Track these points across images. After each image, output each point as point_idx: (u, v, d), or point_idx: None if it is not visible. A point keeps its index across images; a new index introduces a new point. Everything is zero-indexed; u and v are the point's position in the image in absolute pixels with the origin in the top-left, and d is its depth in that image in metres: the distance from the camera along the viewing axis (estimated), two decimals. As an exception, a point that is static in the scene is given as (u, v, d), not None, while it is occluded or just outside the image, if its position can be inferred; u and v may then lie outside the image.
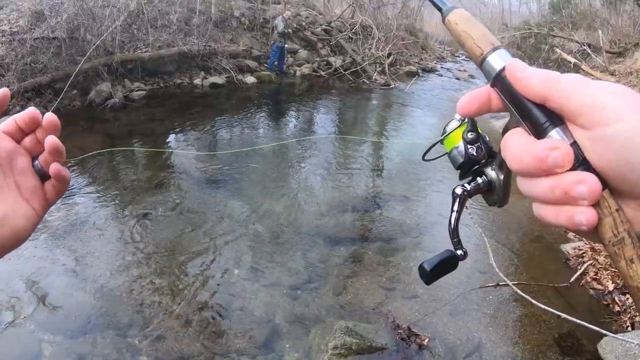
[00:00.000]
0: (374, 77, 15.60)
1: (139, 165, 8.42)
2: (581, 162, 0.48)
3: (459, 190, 0.71)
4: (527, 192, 0.53)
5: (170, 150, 9.07)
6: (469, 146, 0.70)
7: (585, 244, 5.82)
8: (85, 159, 8.06)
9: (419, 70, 17.92)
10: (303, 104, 13.00)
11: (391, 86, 14.73)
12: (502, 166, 0.64)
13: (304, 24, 18.00)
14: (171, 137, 9.80)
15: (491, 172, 0.68)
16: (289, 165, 8.47)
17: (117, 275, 5.31)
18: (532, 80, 0.50)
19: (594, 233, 0.49)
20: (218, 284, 5.19)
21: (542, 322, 4.72)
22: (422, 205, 6.85)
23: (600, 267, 5.40)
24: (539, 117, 0.51)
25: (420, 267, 0.71)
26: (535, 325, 4.70)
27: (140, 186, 7.45)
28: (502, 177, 0.66)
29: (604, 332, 3.54)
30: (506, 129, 0.55)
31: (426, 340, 4.48)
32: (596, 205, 0.48)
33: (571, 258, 5.66)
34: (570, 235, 6.20)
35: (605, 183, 0.48)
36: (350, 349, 4.37)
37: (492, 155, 0.69)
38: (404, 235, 6.04)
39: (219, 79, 14.01)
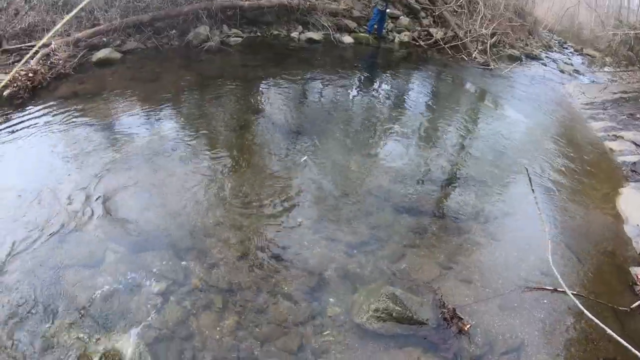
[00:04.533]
0: (474, 55, 14.88)
1: (227, 106, 8.66)
2: None
3: None
4: None
5: (258, 96, 9.24)
6: None
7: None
8: (177, 95, 8.52)
9: (522, 56, 16.84)
10: (398, 71, 12.73)
11: (490, 67, 14.03)
12: None
13: (408, -10, 17.33)
14: (262, 84, 9.94)
15: None
16: (372, 128, 8.46)
17: (186, 203, 5.68)
18: None
19: None
20: (280, 227, 5.41)
21: (590, 340, 4.58)
22: (497, 194, 6.67)
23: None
24: None
25: None
26: (582, 342, 4.56)
27: (225, 125, 7.78)
28: None
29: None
30: None
31: (467, 327, 4.48)
32: None
33: (639, 283, 5.37)
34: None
35: None
36: (391, 315, 4.46)
37: None
38: (472, 219, 5.96)
39: (316, 35, 13.92)
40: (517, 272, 5.18)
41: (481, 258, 5.34)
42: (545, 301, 4.90)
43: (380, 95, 10.47)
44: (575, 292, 4.78)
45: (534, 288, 5.01)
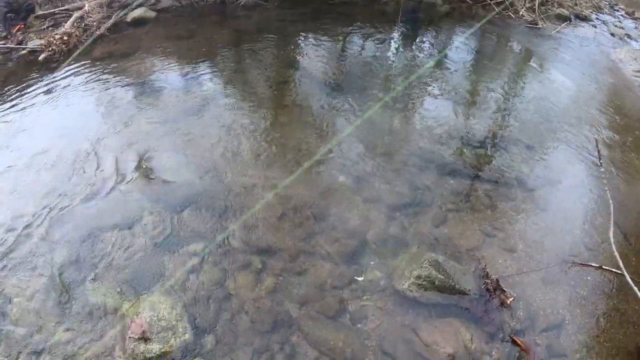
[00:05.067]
0: (521, 13, 13.98)
1: (264, 62, 8.38)
2: None
3: None
4: None
5: (296, 51, 8.89)
6: None
7: None
8: (213, 51, 8.30)
9: (571, 16, 15.85)
10: (440, 27, 11.98)
11: (538, 26, 13.18)
12: None
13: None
14: (299, 40, 9.52)
15: None
16: (413, 85, 8.04)
17: (223, 161, 5.55)
18: None
19: None
20: (320, 187, 5.23)
21: (631, 324, 4.44)
22: (545, 160, 6.35)
23: None
24: None
25: None
26: (623, 325, 4.42)
27: (262, 81, 7.54)
28: None
29: None
30: None
31: (510, 300, 4.37)
32: None
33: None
34: None
35: None
36: (433, 283, 4.35)
37: None
38: (518, 186, 5.72)
39: (355, -11, 12.98)
40: (562, 245, 5.00)
41: (526, 227, 5.15)
42: (589, 278, 4.75)
43: (421, 52, 9.92)
44: (620, 272, 4.60)
45: (579, 264, 4.84)
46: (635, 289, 4.24)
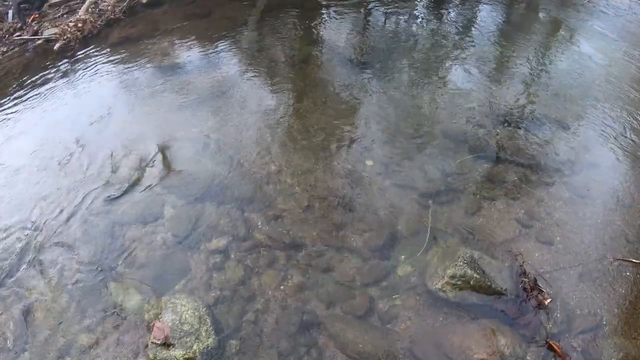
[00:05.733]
0: None
1: (286, 38, 7.91)
2: None
3: None
4: None
5: (319, 26, 8.34)
6: None
7: None
8: (232, 29, 7.88)
9: None
10: None
11: None
12: None
13: None
14: (322, 13, 8.85)
15: None
16: (441, 60, 7.50)
17: (247, 149, 5.26)
18: None
19: None
20: (347, 173, 4.91)
21: None
22: (584, 138, 5.93)
23: None
24: None
25: None
26: None
27: (285, 60, 7.15)
28: None
29: None
30: None
31: (548, 301, 4.15)
32: None
33: None
34: None
35: None
36: (468, 283, 4.12)
37: None
38: (556, 170, 5.37)
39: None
40: (602, 238, 4.74)
41: (564, 217, 4.87)
42: (629, 274, 4.52)
43: (447, 23, 9.15)
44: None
45: (619, 259, 4.59)
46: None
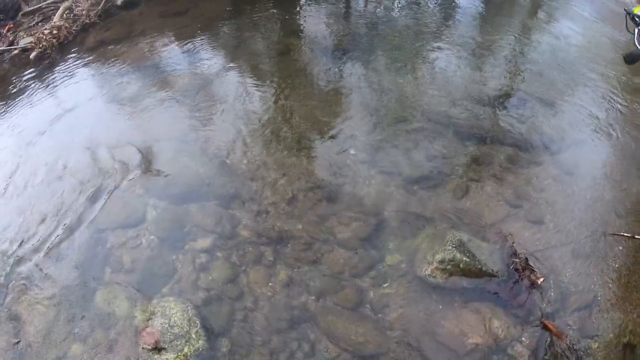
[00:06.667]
0: None
1: (265, 31, 7.79)
2: None
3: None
4: None
5: (297, 16, 8.26)
6: None
7: None
8: (210, 25, 7.77)
9: None
10: None
11: None
12: None
13: None
14: (300, 2, 8.73)
15: None
16: (422, 43, 7.38)
17: (229, 145, 5.21)
18: None
19: None
20: (331, 163, 4.86)
21: None
22: (569, 114, 5.85)
23: None
24: None
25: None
26: None
27: (265, 53, 7.09)
28: None
29: None
30: None
31: (540, 280, 4.10)
32: None
33: None
34: None
35: None
36: (458, 266, 4.08)
37: None
38: (543, 147, 5.31)
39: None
40: (592, 213, 4.69)
41: (553, 195, 4.82)
42: (621, 248, 4.46)
43: (428, 8, 9.01)
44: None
45: (611, 234, 4.53)
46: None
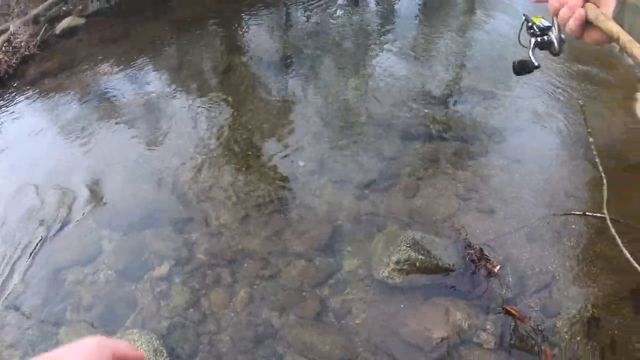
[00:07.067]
0: None
1: (207, 49, 7.86)
2: None
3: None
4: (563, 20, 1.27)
5: (239, 32, 8.40)
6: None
7: None
8: (151, 47, 7.82)
9: None
10: None
11: None
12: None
13: None
14: (241, 18, 8.83)
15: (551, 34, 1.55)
16: (363, 47, 7.51)
17: (176, 168, 5.22)
18: None
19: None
20: (281, 177, 4.91)
21: (621, 270, 4.19)
22: (510, 105, 5.97)
23: None
24: None
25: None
26: (614, 272, 4.20)
27: (208, 71, 7.14)
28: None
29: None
30: None
31: (497, 268, 4.17)
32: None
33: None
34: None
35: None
36: (414, 265, 4.13)
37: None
38: (487, 138, 5.42)
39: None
40: (542, 197, 4.78)
41: (501, 184, 4.91)
42: (574, 226, 4.55)
43: (368, 13, 9.21)
44: (604, 215, 4.35)
45: (562, 214, 4.63)
46: (615, 235, 3.98)
